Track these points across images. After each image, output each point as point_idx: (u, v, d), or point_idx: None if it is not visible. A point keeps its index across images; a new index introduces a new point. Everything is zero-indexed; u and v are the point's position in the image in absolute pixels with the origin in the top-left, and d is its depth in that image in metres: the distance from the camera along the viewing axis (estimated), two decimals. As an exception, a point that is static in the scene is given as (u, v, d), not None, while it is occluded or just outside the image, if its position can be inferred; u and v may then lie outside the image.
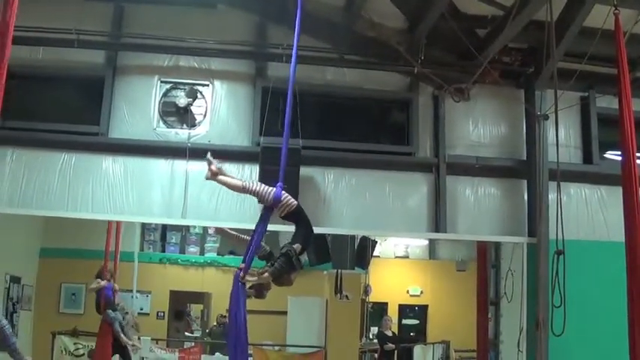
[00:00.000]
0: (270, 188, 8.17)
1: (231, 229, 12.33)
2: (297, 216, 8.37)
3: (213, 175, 8.44)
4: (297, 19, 8.65)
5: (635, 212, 7.84)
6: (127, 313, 16.82)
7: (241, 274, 8.06)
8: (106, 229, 16.13)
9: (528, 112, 12.27)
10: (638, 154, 8.22)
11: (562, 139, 10.57)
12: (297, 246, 8.15)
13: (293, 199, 8.30)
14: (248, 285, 8.21)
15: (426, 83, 12.52)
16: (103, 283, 15.96)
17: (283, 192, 8.19)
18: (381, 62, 12.33)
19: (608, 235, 12.26)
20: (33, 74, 11.91)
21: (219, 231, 12.73)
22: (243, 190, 8.42)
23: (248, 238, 12.74)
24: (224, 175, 8.52)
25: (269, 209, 8.29)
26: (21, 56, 11.61)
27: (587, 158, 12.69)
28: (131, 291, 18.77)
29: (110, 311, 15.92)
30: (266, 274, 8.07)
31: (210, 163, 8.41)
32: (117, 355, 16.43)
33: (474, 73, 11.71)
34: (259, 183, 8.43)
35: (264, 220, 8.35)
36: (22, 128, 11.66)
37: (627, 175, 8.01)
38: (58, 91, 12.21)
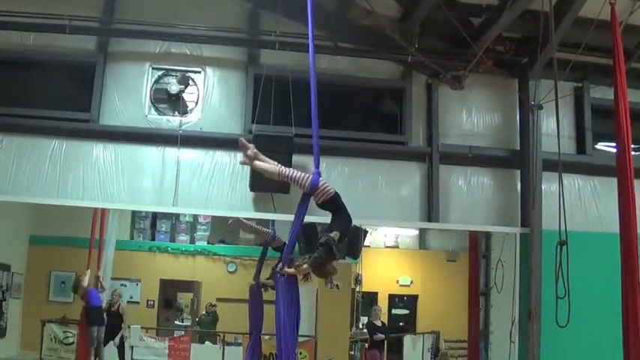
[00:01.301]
0: (307, 174, 7.95)
1: (246, 219, 12.27)
2: (334, 204, 8.09)
3: (250, 160, 8.22)
4: (309, 7, 8.46)
5: (629, 203, 7.83)
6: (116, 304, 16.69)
7: (279, 265, 7.91)
8: (97, 217, 16.06)
9: (522, 101, 12.23)
10: (633, 145, 8.18)
11: (556, 129, 10.50)
12: (335, 234, 7.89)
13: (331, 187, 8.00)
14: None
15: (419, 72, 12.47)
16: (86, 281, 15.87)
17: (321, 178, 7.99)
18: (375, 50, 12.28)
19: (602, 226, 12.25)
20: (23, 60, 11.85)
21: (235, 222, 12.59)
22: (278, 176, 8.11)
23: (262, 228, 12.70)
24: (259, 159, 8.32)
25: (307, 196, 8.02)
26: (11, 42, 11.60)
27: (581, 149, 12.67)
28: (121, 279, 18.64)
29: (93, 328, 15.81)
30: (305, 266, 7.80)
31: (246, 148, 8.21)
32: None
33: (468, 61, 11.68)
34: (295, 169, 8.18)
35: (302, 208, 8.06)
36: (12, 114, 11.58)
37: (622, 167, 7.99)
38: (48, 78, 12.11)
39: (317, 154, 8.23)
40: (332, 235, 7.89)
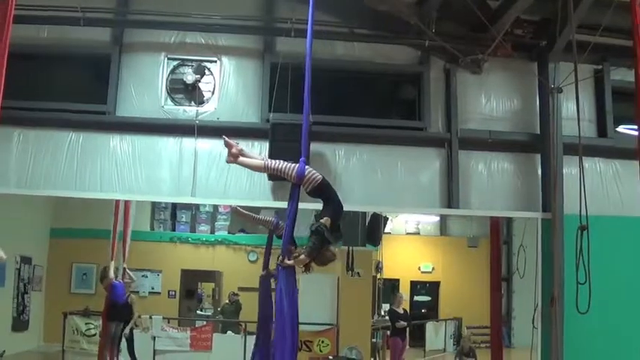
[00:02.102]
0: (293, 165, 7.92)
1: (244, 208, 12.27)
2: (323, 190, 8.02)
3: (235, 158, 8.22)
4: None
5: (652, 186, 7.72)
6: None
7: (279, 258, 7.86)
8: (119, 209, 16.06)
9: (542, 85, 12.09)
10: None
11: (576, 112, 10.39)
12: (325, 219, 7.84)
13: (317, 173, 7.93)
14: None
15: (437, 57, 12.36)
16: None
17: (307, 167, 7.94)
18: (392, 36, 12.17)
19: (623, 209, 12.14)
20: (38, 53, 11.84)
21: (234, 211, 12.61)
22: (265, 169, 8.18)
23: (264, 217, 12.67)
24: (245, 156, 8.31)
25: (296, 186, 7.98)
26: (26, 35, 11.54)
27: (602, 132, 12.53)
28: (142, 270, 18.67)
29: (112, 323, 15.80)
30: (302, 256, 7.78)
31: (230, 147, 8.21)
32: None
33: (486, 45, 11.57)
34: (281, 161, 8.16)
35: (293, 198, 8.00)
36: (29, 108, 11.54)
37: (644, 149, 7.88)
38: (64, 70, 12.12)
39: (305, 141, 8.20)
40: (322, 221, 7.86)
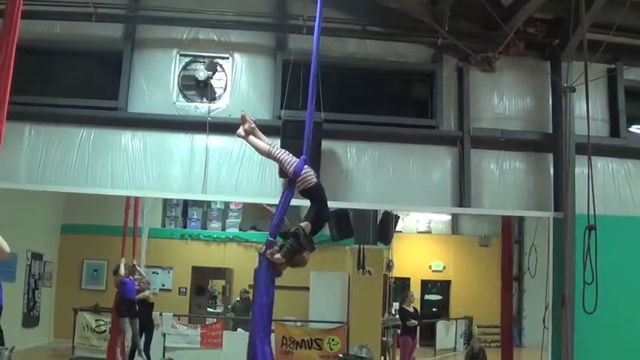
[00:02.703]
0: (294, 160, 7.93)
1: (269, 205, 12.29)
2: (313, 194, 7.99)
3: (245, 134, 8.25)
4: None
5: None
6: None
7: (262, 248, 7.86)
8: (130, 205, 16.10)
9: (554, 84, 12.04)
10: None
11: (589, 111, 10.34)
12: (305, 224, 7.80)
13: (313, 177, 7.92)
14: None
15: (450, 55, 12.31)
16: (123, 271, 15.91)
17: (306, 167, 7.93)
18: (404, 34, 12.14)
19: (635, 209, 12.07)
20: (50, 49, 11.83)
21: (260, 209, 12.60)
22: (268, 155, 8.17)
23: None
24: (256, 135, 8.32)
25: (292, 182, 8.04)
26: (38, 31, 11.56)
27: (614, 131, 12.44)
28: (153, 267, 18.71)
29: (124, 319, 15.84)
30: (277, 255, 7.76)
31: (244, 122, 8.23)
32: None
33: (499, 44, 11.53)
34: (286, 152, 8.16)
35: (287, 193, 8.09)
36: (40, 104, 11.53)
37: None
38: (75, 66, 12.12)
39: (308, 140, 8.18)
40: (303, 225, 7.83)
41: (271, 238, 7.83)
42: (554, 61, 12.13)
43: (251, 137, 8.27)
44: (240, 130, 8.29)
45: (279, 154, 8.06)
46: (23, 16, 5.98)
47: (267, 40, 12.14)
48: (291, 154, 8.03)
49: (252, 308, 8.00)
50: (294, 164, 7.87)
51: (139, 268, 16.63)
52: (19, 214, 15.06)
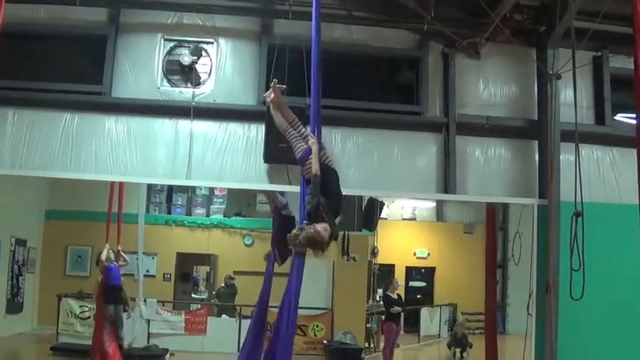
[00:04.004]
0: (303, 146, 7.94)
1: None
2: (316, 185, 7.93)
3: (274, 105, 8.31)
4: None
5: (650, 174, 7.67)
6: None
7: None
8: (114, 191, 16.01)
9: (540, 71, 12.04)
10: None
11: (576, 99, 10.36)
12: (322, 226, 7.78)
13: (316, 168, 7.87)
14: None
15: (435, 41, 12.28)
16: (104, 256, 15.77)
17: (311, 155, 7.90)
18: (390, 19, 12.10)
19: (620, 197, 12.09)
20: (34, 33, 11.70)
21: (271, 196, 12.63)
22: (284, 132, 8.23)
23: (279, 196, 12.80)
24: (282, 109, 8.36)
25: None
26: (22, 15, 11.47)
27: (600, 119, 12.46)
28: (137, 253, 18.64)
29: (110, 306, 15.73)
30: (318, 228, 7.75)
31: (275, 90, 8.30)
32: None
33: (485, 30, 11.54)
34: (301, 134, 8.18)
35: (302, 180, 8.21)
36: (24, 88, 11.45)
37: (642, 137, 7.83)
38: (59, 51, 11.99)
39: (314, 123, 8.20)
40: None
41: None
42: (540, 48, 12.12)
43: (274, 109, 8.30)
44: (271, 97, 8.58)
45: (291, 138, 8.07)
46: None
47: (253, 25, 12.07)
48: (304, 140, 8.02)
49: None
50: (301, 152, 7.85)
51: (123, 254, 16.55)
52: (2, 200, 15.01)
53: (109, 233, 15.92)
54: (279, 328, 8.35)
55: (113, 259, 15.86)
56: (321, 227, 7.74)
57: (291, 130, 8.25)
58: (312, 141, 8.03)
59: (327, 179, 8.06)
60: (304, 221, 7.85)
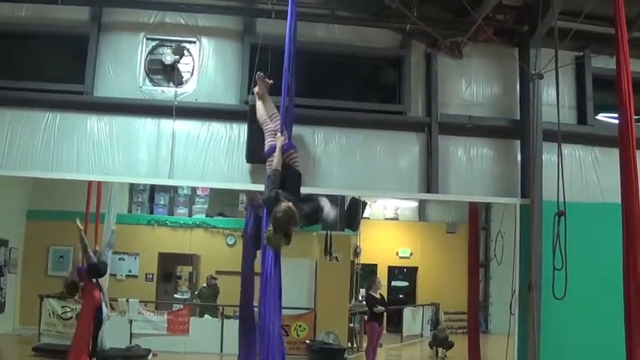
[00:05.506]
0: (270, 142, 8.03)
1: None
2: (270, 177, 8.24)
3: (257, 94, 8.41)
4: None
5: (632, 174, 7.76)
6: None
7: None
8: (92, 190, 15.91)
9: (523, 70, 12.08)
10: (635, 116, 8.09)
11: (558, 98, 10.41)
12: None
13: (276, 163, 8.22)
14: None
15: (418, 40, 12.31)
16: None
17: (276, 153, 7.97)
18: (373, 19, 12.12)
19: (602, 196, 12.14)
20: (16, 32, 11.67)
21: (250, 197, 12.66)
22: (262, 124, 8.36)
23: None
24: (265, 102, 8.45)
25: None
26: (3, 14, 11.44)
27: (582, 119, 12.51)
28: (119, 253, 18.56)
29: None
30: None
31: (259, 82, 8.41)
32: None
33: (467, 30, 11.56)
34: (275, 129, 8.29)
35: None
36: (5, 87, 11.41)
37: (625, 137, 7.91)
38: (41, 50, 11.96)
39: (283, 120, 8.39)
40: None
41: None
42: (523, 48, 12.18)
43: (258, 101, 8.41)
44: (256, 88, 9.08)
45: (268, 129, 8.22)
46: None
47: (235, 25, 12.06)
48: (274, 135, 8.14)
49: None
50: (268, 147, 7.98)
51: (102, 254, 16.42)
52: (-17, 200, 14.91)
53: (86, 233, 15.81)
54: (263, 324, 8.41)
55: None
56: (285, 205, 7.90)
57: (268, 124, 8.36)
58: (280, 137, 8.12)
59: (288, 179, 8.17)
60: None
